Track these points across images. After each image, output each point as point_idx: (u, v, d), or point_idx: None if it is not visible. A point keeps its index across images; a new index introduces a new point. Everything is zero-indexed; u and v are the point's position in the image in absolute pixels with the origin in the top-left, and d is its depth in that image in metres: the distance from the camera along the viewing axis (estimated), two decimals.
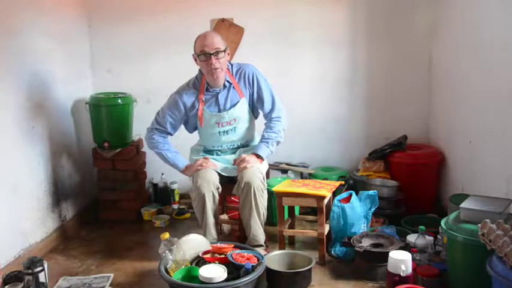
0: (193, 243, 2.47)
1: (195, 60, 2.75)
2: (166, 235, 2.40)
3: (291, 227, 3.02)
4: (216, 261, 2.34)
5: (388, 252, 2.33)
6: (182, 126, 2.94)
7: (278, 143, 2.85)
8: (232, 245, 2.49)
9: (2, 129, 2.66)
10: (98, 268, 2.79)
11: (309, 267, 2.44)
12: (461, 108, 3.05)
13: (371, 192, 2.88)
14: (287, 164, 3.64)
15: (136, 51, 3.77)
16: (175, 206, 3.69)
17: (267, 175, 3.00)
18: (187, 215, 3.59)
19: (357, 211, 2.76)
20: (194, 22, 3.58)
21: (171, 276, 2.28)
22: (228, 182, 2.80)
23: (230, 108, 2.79)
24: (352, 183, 3.43)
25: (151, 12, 3.71)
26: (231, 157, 2.85)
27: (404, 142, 3.51)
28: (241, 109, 2.81)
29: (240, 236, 2.96)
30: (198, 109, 2.80)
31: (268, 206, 2.77)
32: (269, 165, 3.10)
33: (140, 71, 3.79)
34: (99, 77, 3.83)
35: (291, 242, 3.02)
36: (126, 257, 2.92)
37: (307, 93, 3.76)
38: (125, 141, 3.51)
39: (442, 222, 2.33)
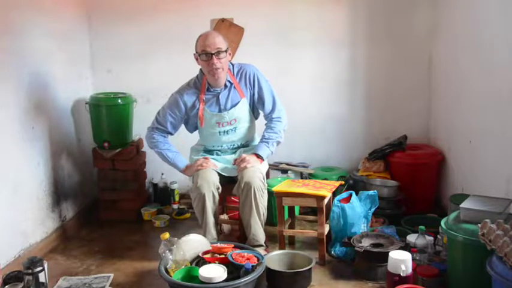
0: (193, 243, 2.46)
1: (196, 59, 2.75)
2: (166, 235, 2.40)
3: (291, 227, 3.02)
4: (216, 261, 2.33)
5: (388, 252, 2.33)
6: (182, 126, 2.94)
7: (278, 143, 2.85)
8: (232, 245, 2.49)
9: (2, 129, 2.66)
10: (98, 268, 2.79)
11: (309, 267, 2.44)
12: (461, 108, 3.05)
13: (371, 192, 2.88)
14: (287, 164, 3.64)
15: (136, 51, 3.77)
16: (175, 206, 3.69)
17: (267, 175, 3.00)
18: (187, 215, 3.59)
19: (357, 211, 2.76)
20: (194, 22, 3.58)
21: (171, 276, 2.28)
22: (228, 182, 2.80)
23: (231, 108, 2.79)
24: (352, 183, 3.43)
25: (151, 12, 3.71)
26: (231, 157, 2.85)
27: (404, 142, 3.51)
28: (242, 109, 2.81)
29: (240, 236, 2.96)
30: (198, 109, 2.80)
31: (268, 206, 2.77)
32: (269, 165, 3.10)
33: (140, 71, 3.79)
34: (99, 77, 3.83)
35: (291, 242, 3.02)
36: (126, 257, 2.92)
37: (307, 93, 3.76)
38: (125, 141, 3.51)
39: (442, 222, 2.33)
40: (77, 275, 2.70)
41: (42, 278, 2.32)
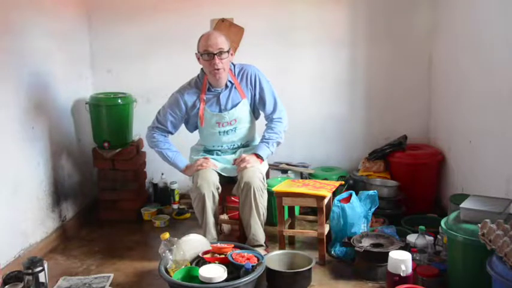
0: (193, 243, 2.46)
1: (198, 59, 2.75)
2: (166, 235, 2.40)
3: (291, 227, 3.02)
4: (216, 261, 2.33)
5: (388, 252, 2.33)
6: (183, 126, 2.94)
7: (278, 143, 2.85)
8: (232, 245, 2.49)
9: (2, 129, 2.66)
10: (98, 268, 2.79)
11: (309, 267, 2.44)
12: (461, 108, 3.05)
13: (371, 192, 2.88)
14: (287, 164, 3.64)
15: (136, 51, 3.77)
16: (175, 206, 3.69)
17: (267, 175, 3.00)
18: (187, 215, 3.59)
19: (357, 211, 2.76)
20: (194, 22, 3.59)
21: (171, 276, 2.28)
22: (228, 182, 2.80)
23: (231, 108, 2.79)
24: (352, 183, 3.43)
25: (151, 12, 3.71)
26: (231, 157, 2.85)
27: (404, 142, 3.51)
28: (242, 110, 2.81)
29: (240, 236, 2.96)
30: (199, 108, 2.80)
31: (268, 206, 2.77)
32: (269, 165, 3.10)
33: (140, 71, 3.79)
34: (99, 77, 3.83)
35: (291, 242, 3.02)
36: (126, 257, 2.92)
37: (307, 93, 3.76)
38: (125, 141, 3.51)
39: (442, 222, 2.33)
40: (77, 275, 2.70)
41: (42, 278, 2.32)
